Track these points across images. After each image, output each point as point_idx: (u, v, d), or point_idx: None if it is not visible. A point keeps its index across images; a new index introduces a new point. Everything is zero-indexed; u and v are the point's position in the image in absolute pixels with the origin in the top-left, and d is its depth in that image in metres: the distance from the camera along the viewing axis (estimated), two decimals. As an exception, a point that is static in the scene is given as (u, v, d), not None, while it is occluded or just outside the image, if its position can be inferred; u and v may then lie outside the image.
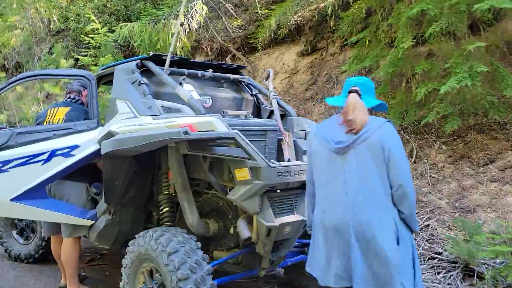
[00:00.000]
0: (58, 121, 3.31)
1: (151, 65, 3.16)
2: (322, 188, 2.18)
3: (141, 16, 8.57)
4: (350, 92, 2.14)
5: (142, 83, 3.02)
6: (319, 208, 2.19)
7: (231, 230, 2.90)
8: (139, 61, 3.20)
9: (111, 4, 10.15)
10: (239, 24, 8.06)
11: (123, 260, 2.79)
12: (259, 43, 7.43)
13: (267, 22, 6.90)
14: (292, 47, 8.09)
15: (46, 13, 14.27)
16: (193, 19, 7.81)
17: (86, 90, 3.61)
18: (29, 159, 3.03)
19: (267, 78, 3.53)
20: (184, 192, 2.85)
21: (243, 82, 3.67)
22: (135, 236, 2.75)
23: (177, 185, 2.86)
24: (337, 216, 2.07)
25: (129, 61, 3.28)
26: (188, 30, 7.84)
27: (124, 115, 3.00)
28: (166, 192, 3.07)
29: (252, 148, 2.56)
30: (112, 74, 3.49)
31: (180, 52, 7.68)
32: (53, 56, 8.60)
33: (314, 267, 2.19)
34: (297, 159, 2.96)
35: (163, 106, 2.92)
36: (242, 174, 2.60)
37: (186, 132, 2.48)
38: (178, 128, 2.53)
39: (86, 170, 3.29)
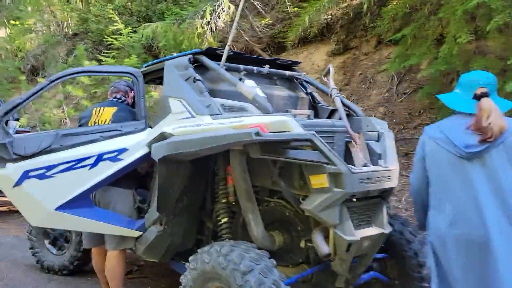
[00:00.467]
0: (104, 122, 3.04)
1: (205, 60, 2.88)
2: (444, 195, 1.88)
3: (165, 16, 8.33)
4: (480, 94, 1.85)
5: (197, 80, 2.74)
6: (443, 220, 1.88)
7: (302, 244, 2.59)
8: (191, 56, 2.92)
9: (131, 5, 9.94)
10: (267, 22, 7.77)
11: (181, 278, 2.50)
12: (289, 42, 7.13)
13: (300, 20, 6.60)
14: (321, 47, 7.80)
15: (62, 15, 14.15)
16: (219, 18, 7.56)
17: (132, 91, 3.34)
18: (75, 164, 2.75)
19: (326, 74, 3.23)
20: (248, 201, 2.55)
21: (298, 79, 3.38)
22: (197, 250, 2.45)
23: (240, 193, 2.56)
24: (473, 229, 1.77)
25: (179, 56, 3.00)
26: (214, 30, 7.59)
27: (178, 115, 2.72)
28: (225, 201, 2.77)
29: (332, 151, 2.26)
30: (157, 71, 3.23)
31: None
32: (72, 57, 8.39)
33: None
34: (372, 164, 2.65)
35: (222, 105, 2.63)
36: (319, 181, 2.30)
37: (257, 134, 2.18)
38: (247, 129, 2.24)
39: (132, 175, 3.01)
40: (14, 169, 2.70)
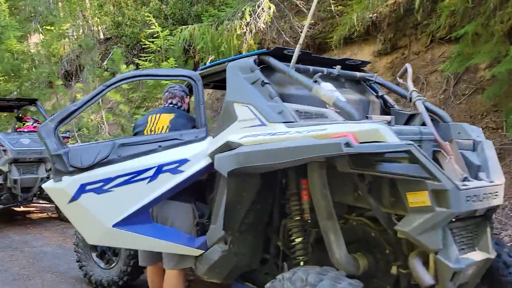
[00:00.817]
0: (161, 130, 2.80)
1: (272, 61, 2.60)
2: None
3: (202, 18, 8.14)
4: None
5: (265, 83, 2.46)
6: None
7: (394, 270, 2.26)
8: (256, 56, 2.65)
9: (166, 8, 9.82)
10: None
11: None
12: (334, 42, 6.79)
13: (347, 18, 6.26)
14: (365, 47, 7.42)
15: (94, 20, 14.24)
16: (259, 19, 7.30)
17: (188, 97, 3.11)
18: (134, 176, 2.52)
19: (403, 75, 2.90)
20: (329, 220, 2.25)
21: (369, 80, 3.07)
22: (276, 277, 2.16)
23: (319, 211, 2.26)
24: None
25: (242, 57, 2.74)
26: (254, 31, 7.34)
27: (246, 122, 2.45)
28: (298, 218, 2.48)
29: (434, 164, 1.93)
30: (215, 74, 2.98)
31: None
32: (109, 61, 8.28)
33: None
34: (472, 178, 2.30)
35: (297, 111, 2.35)
36: (419, 199, 1.98)
37: (348, 144, 1.88)
38: (333, 139, 1.95)
39: (190, 188, 2.76)
40: (71, 183, 2.49)
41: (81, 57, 13.21)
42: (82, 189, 2.48)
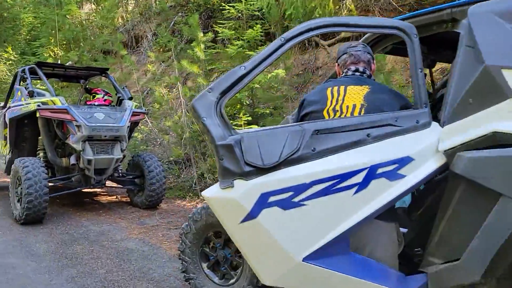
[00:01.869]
0: (351, 111, 1.85)
1: None
2: None
3: (290, -22, 7.07)
4: None
5: None
6: None
7: None
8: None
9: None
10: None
11: None
12: None
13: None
14: None
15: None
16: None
17: (374, 60, 2.13)
18: (335, 183, 1.61)
19: None
20: None
21: None
22: None
23: None
24: None
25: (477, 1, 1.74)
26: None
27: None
28: None
29: None
30: (430, 26, 1.98)
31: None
32: (185, 27, 7.39)
33: None
34: None
35: None
36: None
37: None
38: None
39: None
40: (247, 191, 1.60)
41: (138, 26, 12.48)
42: (263, 202, 1.58)
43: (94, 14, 12.92)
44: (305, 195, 1.59)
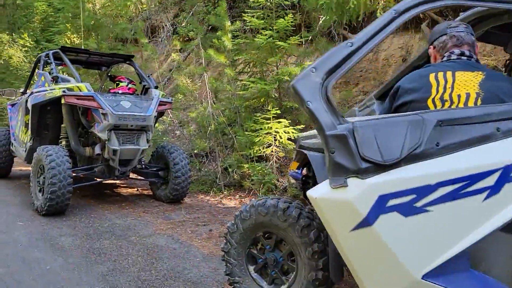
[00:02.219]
0: (464, 100, 1.58)
1: None
2: None
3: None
4: None
5: None
6: None
7: None
8: None
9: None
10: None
11: None
12: None
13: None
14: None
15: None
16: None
17: (476, 43, 1.85)
18: (463, 186, 1.33)
19: None
20: None
21: None
22: None
23: None
24: None
25: None
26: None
27: None
28: None
29: None
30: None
31: None
32: (211, 16, 7.11)
33: None
34: None
35: None
36: None
37: None
38: None
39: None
40: (364, 192, 1.34)
41: (155, 16, 12.22)
42: (381, 206, 1.32)
43: (109, 3, 12.66)
44: (429, 199, 1.33)
